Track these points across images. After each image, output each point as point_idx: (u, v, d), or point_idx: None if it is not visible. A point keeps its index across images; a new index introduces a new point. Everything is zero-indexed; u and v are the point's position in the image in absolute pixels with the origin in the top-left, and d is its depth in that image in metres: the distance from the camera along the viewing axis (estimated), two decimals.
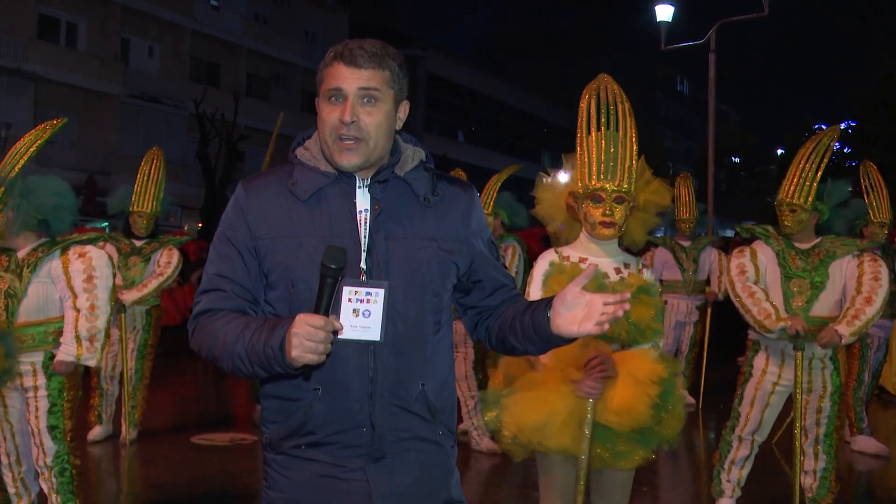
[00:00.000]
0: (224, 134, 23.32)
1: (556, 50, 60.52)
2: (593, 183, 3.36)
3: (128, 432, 6.60)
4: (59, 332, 4.17)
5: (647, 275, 3.42)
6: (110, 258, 4.34)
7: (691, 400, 8.72)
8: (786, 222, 4.71)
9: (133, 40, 27.99)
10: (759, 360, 4.82)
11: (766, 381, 4.76)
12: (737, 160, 47.02)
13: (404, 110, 2.13)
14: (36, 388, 4.17)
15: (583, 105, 3.46)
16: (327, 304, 1.86)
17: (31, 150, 4.26)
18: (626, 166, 3.37)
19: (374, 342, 1.99)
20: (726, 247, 11.80)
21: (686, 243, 8.71)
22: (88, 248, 4.24)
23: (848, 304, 4.55)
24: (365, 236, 2.04)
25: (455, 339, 2.27)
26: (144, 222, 6.58)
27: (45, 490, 4.27)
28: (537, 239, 8.96)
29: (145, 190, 6.60)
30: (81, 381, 4.49)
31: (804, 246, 4.74)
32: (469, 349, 6.55)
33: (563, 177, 3.65)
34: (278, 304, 2.07)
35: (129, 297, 6.26)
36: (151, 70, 28.58)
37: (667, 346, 8.86)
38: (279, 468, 2.09)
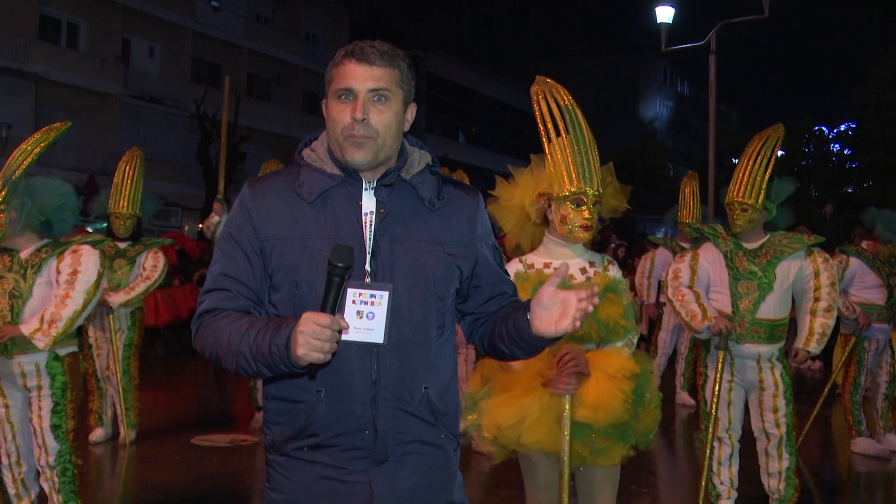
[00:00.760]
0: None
1: (557, 50, 60.56)
2: (574, 187, 3.37)
3: (126, 434, 6.61)
4: (64, 334, 4.17)
5: (613, 271, 3.44)
6: (104, 261, 4.32)
7: (691, 401, 8.72)
8: (737, 221, 4.76)
9: (134, 41, 28.00)
10: (711, 360, 4.90)
11: (724, 379, 4.84)
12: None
13: (412, 112, 2.15)
14: (39, 388, 4.19)
15: (543, 108, 3.45)
16: (334, 303, 1.86)
17: (36, 151, 4.31)
18: (597, 169, 3.41)
19: (377, 345, 1.99)
20: None
21: (687, 245, 8.70)
22: (84, 246, 4.26)
23: (808, 311, 4.68)
24: (370, 239, 2.05)
25: (456, 341, 2.27)
26: (122, 223, 6.56)
27: (47, 490, 4.28)
28: None
29: (121, 191, 6.59)
30: (82, 381, 4.51)
31: (752, 245, 4.80)
32: (470, 351, 6.55)
33: (525, 175, 3.64)
34: (282, 305, 2.07)
35: (116, 299, 6.28)
36: (152, 70, 28.59)
37: (665, 347, 8.86)
38: (281, 470, 2.09)
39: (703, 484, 4.93)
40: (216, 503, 5.47)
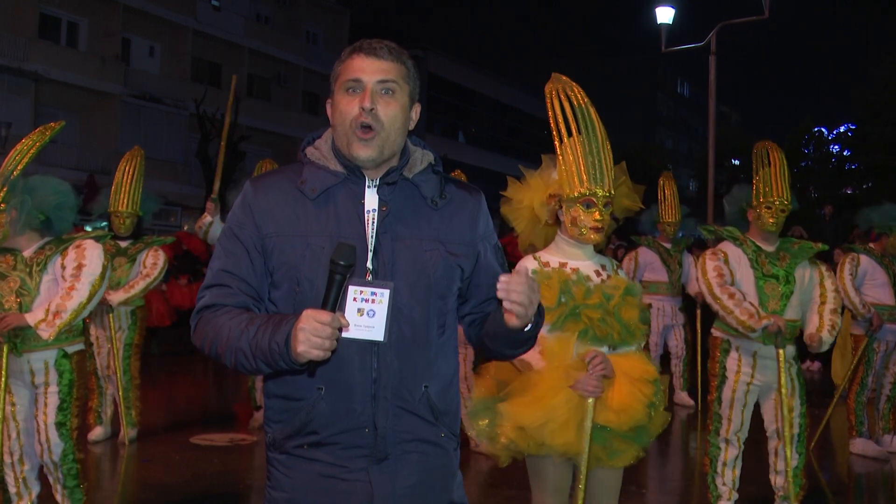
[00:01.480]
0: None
1: (558, 51, 60.55)
2: (585, 188, 3.37)
3: (126, 432, 6.61)
4: (71, 329, 4.23)
5: (622, 275, 3.48)
6: (107, 255, 4.35)
7: (690, 401, 8.72)
8: (775, 221, 4.80)
9: (134, 40, 28.00)
10: (731, 362, 4.88)
11: (741, 381, 4.85)
12: (737, 162, 47.03)
13: (416, 112, 2.16)
14: (47, 385, 4.23)
15: (556, 108, 3.44)
16: (335, 301, 1.87)
17: (33, 151, 4.34)
18: (609, 170, 3.40)
19: (377, 343, 1.99)
20: (705, 247, 11.78)
21: (668, 245, 8.70)
22: (87, 241, 4.30)
23: (816, 311, 4.74)
24: (372, 237, 2.05)
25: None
26: (122, 222, 6.57)
27: (52, 482, 4.33)
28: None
29: (122, 190, 6.61)
30: (87, 379, 4.57)
31: (770, 248, 4.84)
32: (470, 350, 6.56)
33: (535, 177, 3.64)
34: (282, 302, 2.08)
35: (115, 297, 6.29)
36: (152, 70, 28.59)
37: (657, 350, 8.84)
38: (282, 468, 2.10)
39: (709, 482, 4.96)
40: (215, 502, 5.47)
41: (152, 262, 6.58)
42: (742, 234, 4.90)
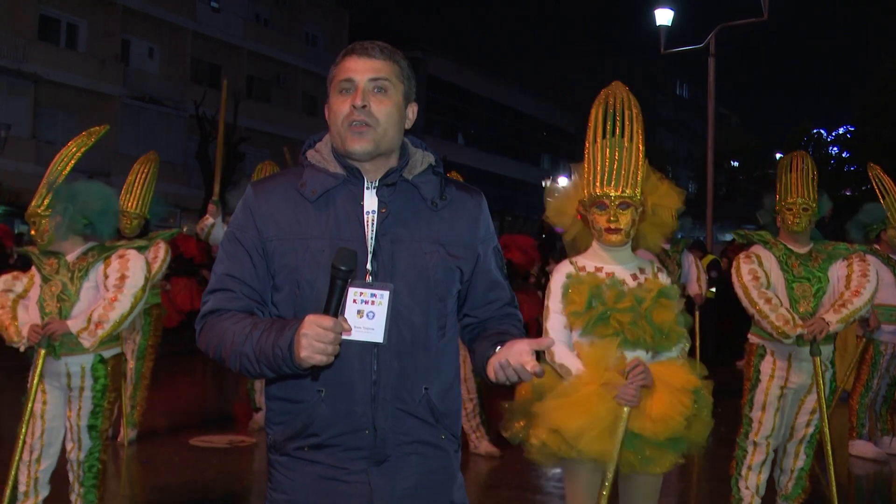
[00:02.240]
0: (224, 135, 23.29)
1: (557, 53, 60.60)
2: (597, 190, 3.37)
3: (126, 433, 6.62)
4: (109, 336, 4.28)
5: (663, 278, 3.43)
6: (149, 266, 4.44)
7: None
8: (799, 221, 4.76)
9: (133, 41, 28.00)
10: (766, 366, 4.84)
11: (774, 385, 4.79)
12: (736, 164, 47.08)
13: (413, 111, 2.16)
14: (82, 389, 4.31)
15: (591, 114, 3.45)
16: (336, 306, 1.87)
17: (78, 155, 4.44)
18: (631, 172, 3.36)
19: (377, 345, 1.99)
20: (725, 252, 11.78)
21: (667, 246, 8.70)
22: (130, 251, 4.38)
23: (836, 297, 4.65)
24: (371, 239, 2.06)
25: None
26: (130, 222, 6.57)
27: (70, 479, 4.41)
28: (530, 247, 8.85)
29: (133, 191, 6.63)
30: (120, 382, 4.66)
31: (802, 250, 4.81)
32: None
33: (561, 181, 3.67)
34: (283, 305, 2.08)
35: None
36: (152, 71, 28.60)
37: None
38: (283, 470, 2.10)
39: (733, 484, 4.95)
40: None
41: (153, 257, 6.58)
42: (773, 238, 4.89)
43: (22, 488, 4.37)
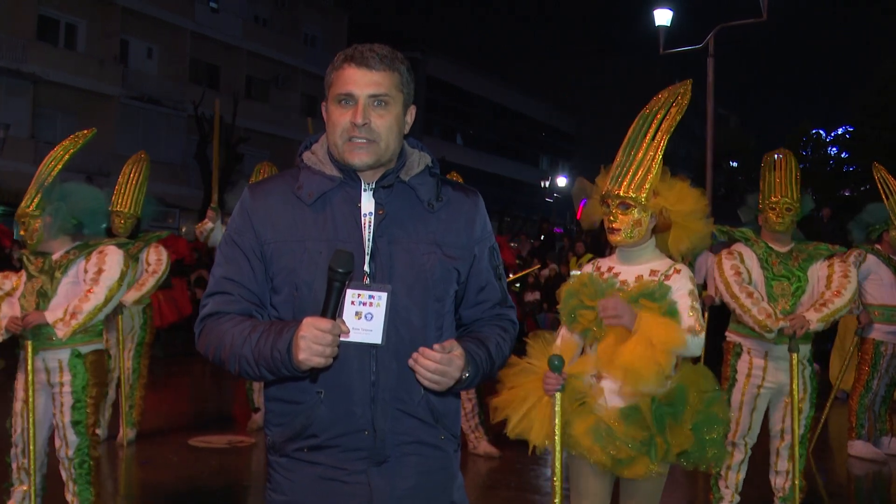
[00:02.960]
0: (223, 136, 23.32)
1: (556, 53, 60.62)
2: (605, 188, 3.38)
3: (125, 433, 6.62)
4: (87, 330, 4.39)
5: (675, 279, 3.27)
6: (128, 260, 4.49)
7: None
8: (782, 221, 4.82)
9: (132, 42, 27.99)
10: (742, 365, 4.88)
11: (751, 384, 4.84)
12: (735, 164, 47.08)
13: (411, 114, 2.16)
14: (62, 385, 4.39)
15: (644, 115, 3.41)
16: (334, 308, 1.88)
17: (66, 157, 4.54)
18: (640, 174, 3.30)
19: (375, 346, 2.00)
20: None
21: None
22: (110, 247, 4.47)
23: (817, 297, 4.69)
24: (369, 240, 2.06)
25: None
26: (122, 222, 6.60)
27: (64, 477, 4.47)
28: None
29: (124, 190, 6.65)
30: (106, 377, 4.72)
31: (783, 249, 4.86)
32: None
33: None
34: (282, 307, 2.08)
35: (128, 297, 6.33)
36: (150, 71, 28.58)
37: None
38: (282, 471, 2.11)
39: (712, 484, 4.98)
40: None
41: (156, 259, 6.65)
42: (755, 236, 4.93)
43: (14, 475, 4.56)
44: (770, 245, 4.87)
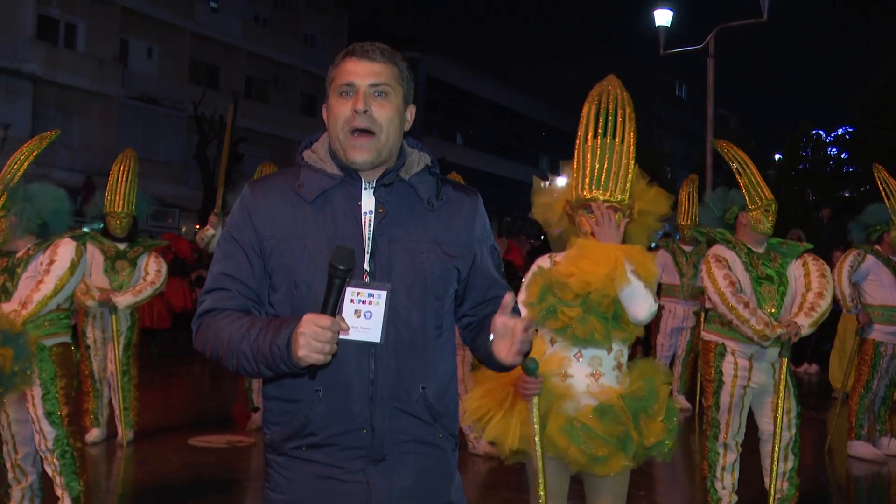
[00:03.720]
0: (223, 136, 23.34)
1: (556, 53, 60.59)
2: (585, 193, 3.38)
3: (124, 434, 6.62)
4: (51, 322, 4.48)
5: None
6: (80, 251, 4.52)
7: (687, 405, 8.72)
8: (769, 223, 4.81)
9: (132, 41, 28.00)
10: (728, 366, 4.88)
11: (738, 385, 4.85)
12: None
13: (411, 113, 2.17)
14: None
15: (584, 110, 3.46)
16: (334, 305, 1.87)
17: (31, 158, 4.65)
18: (621, 176, 3.37)
19: (374, 344, 1.99)
20: None
21: (688, 248, 8.71)
22: (63, 239, 4.52)
23: (800, 299, 4.69)
24: (368, 239, 2.06)
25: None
26: (118, 222, 6.63)
27: (50, 473, 4.51)
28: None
29: (116, 191, 6.67)
30: (75, 370, 4.75)
31: (760, 249, 4.86)
32: (467, 352, 6.55)
33: (559, 181, 3.67)
34: (281, 305, 2.08)
35: (122, 301, 6.38)
36: (150, 71, 28.59)
37: (663, 350, 8.86)
38: (280, 469, 2.10)
39: (708, 486, 4.99)
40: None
41: (156, 270, 6.71)
42: (733, 237, 4.90)
43: (10, 475, 4.57)
44: (749, 246, 4.85)
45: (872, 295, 6.74)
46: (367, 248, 2.05)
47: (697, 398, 8.64)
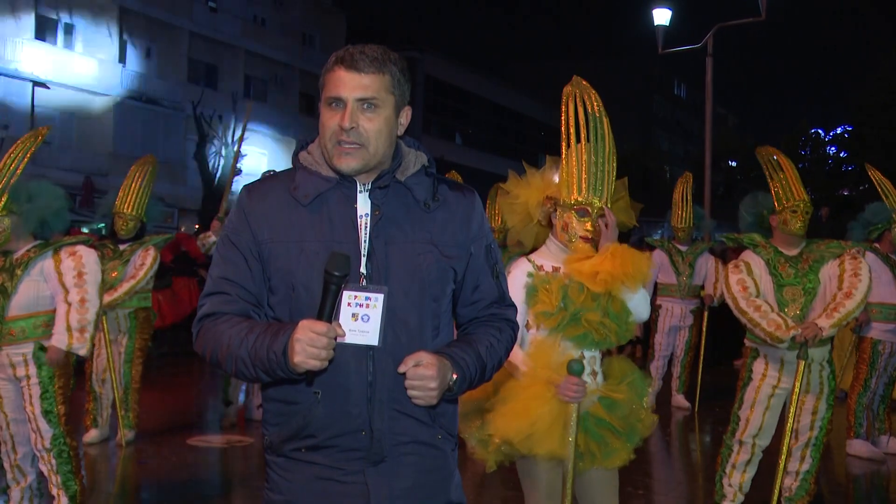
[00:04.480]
0: (221, 136, 23.36)
1: (555, 52, 60.56)
2: (582, 196, 3.38)
3: (124, 434, 6.61)
4: (48, 324, 4.49)
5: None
6: (99, 257, 4.62)
7: (686, 403, 8.73)
8: (799, 223, 4.76)
9: (131, 41, 27.97)
10: (759, 366, 4.86)
11: (766, 384, 4.81)
12: (734, 164, 47.07)
13: (406, 116, 2.15)
14: (28, 377, 4.46)
15: (570, 111, 3.46)
16: (330, 311, 1.88)
17: (28, 157, 4.59)
18: (609, 182, 3.41)
19: (372, 347, 1.99)
20: (724, 253, 11.77)
21: (683, 247, 8.72)
22: (79, 247, 4.56)
23: (829, 299, 4.63)
24: (365, 241, 2.05)
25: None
26: (125, 223, 6.60)
27: (46, 472, 4.53)
28: None
29: (129, 192, 6.65)
30: (72, 369, 4.76)
31: (792, 252, 4.80)
32: None
33: (536, 175, 3.62)
34: (279, 308, 2.08)
35: (105, 300, 6.28)
36: (149, 71, 28.57)
37: (661, 350, 8.86)
38: (279, 470, 2.11)
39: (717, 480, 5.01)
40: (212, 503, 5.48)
41: (140, 263, 6.53)
42: (764, 241, 4.87)
43: (9, 475, 4.60)
44: (780, 249, 4.81)
45: (871, 293, 6.74)
46: (364, 251, 2.05)
47: (696, 398, 8.67)
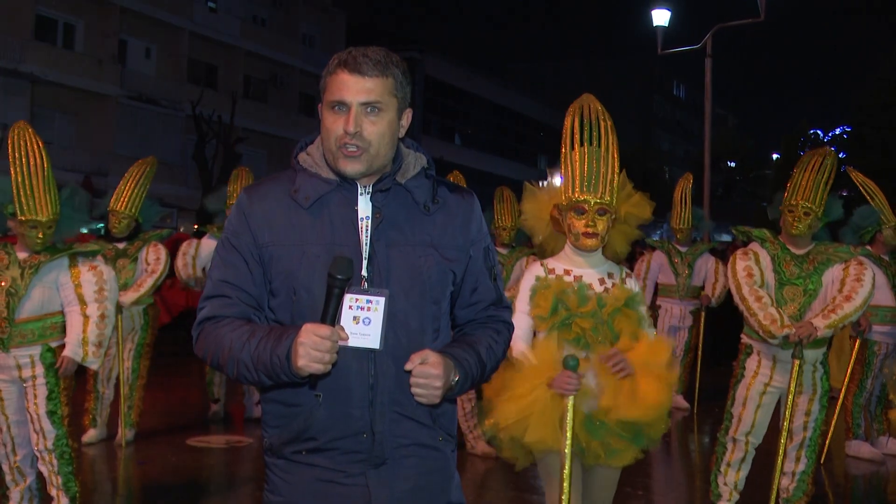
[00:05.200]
0: (221, 136, 23.35)
1: (555, 52, 60.60)
2: (576, 195, 3.43)
3: (124, 433, 6.61)
4: (55, 327, 4.51)
5: (631, 284, 3.51)
6: (116, 273, 4.67)
7: (685, 404, 8.73)
8: (798, 224, 4.73)
9: (130, 41, 27.95)
10: (751, 363, 4.88)
11: (758, 381, 4.83)
12: (733, 164, 47.10)
13: (407, 118, 2.15)
14: (34, 378, 4.46)
15: (567, 123, 3.53)
16: (333, 314, 1.88)
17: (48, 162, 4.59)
18: (608, 180, 3.45)
19: (374, 350, 2.00)
20: (724, 253, 11.78)
21: (683, 248, 8.73)
22: (99, 262, 4.61)
23: (829, 301, 4.64)
24: (366, 244, 2.06)
25: None
26: (118, 221, 6.58)
27: (46, 473, 4.54)
28: None
29: (123, 190, 6.63)
30: (75, 377, 4.73)
31: (799, 252, 4.79)
32: None
33: (547, 188, 3.71)
34: (280, 311, 2.08)
35: (127, 298, 6.29)
36: (149, 71, 28.55)
37: None
38: (280, 472, 2.11)
39: (712, 479, 5.01)
40: None
41: (155, 258, 6.58)
42: (772, 236, 4.87)
43: (8, 477, 4.61)
44: (787, 246, 4.81)
45: None
46: (365, 254, 2.05)
47: (695, 398, 8.68)
